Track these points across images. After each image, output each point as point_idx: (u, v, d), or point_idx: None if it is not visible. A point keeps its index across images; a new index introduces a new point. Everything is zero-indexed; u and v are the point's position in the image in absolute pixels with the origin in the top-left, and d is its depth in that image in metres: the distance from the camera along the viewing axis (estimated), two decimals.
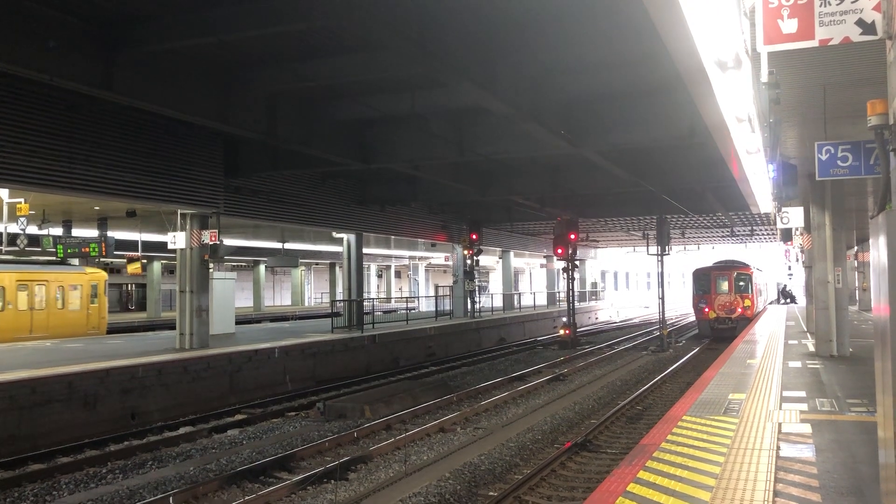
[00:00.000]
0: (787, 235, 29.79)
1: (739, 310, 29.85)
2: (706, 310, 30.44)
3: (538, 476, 9.55)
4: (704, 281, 30.88)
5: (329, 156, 16.51)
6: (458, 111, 15.69)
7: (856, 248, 32.43)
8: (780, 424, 8.31)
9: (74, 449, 12.06)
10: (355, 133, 16.97)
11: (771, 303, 51.65)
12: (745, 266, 31.65)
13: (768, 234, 41.28)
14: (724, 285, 30.23)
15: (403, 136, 16.87)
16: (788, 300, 53.13)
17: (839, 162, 8.18)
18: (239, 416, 14.83)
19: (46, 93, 12.66)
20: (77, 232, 26.52)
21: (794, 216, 16.47)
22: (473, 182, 22.27)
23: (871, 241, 3.89)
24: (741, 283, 30.31)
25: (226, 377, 16.44)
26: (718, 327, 29.85)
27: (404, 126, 16.47)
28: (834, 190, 15.11)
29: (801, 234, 22.71)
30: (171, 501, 8.96)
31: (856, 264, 33.50)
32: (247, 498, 8.93)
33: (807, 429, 8.07)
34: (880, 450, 3.90)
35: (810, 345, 17.16)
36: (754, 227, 37.11)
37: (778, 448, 7.19)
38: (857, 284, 34.31)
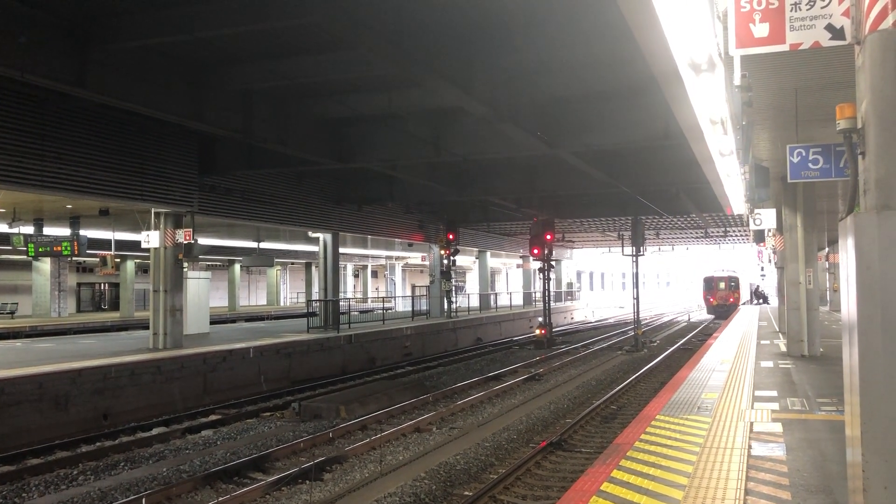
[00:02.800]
0: (759, 237, 30.18)
1: (731, 300, 46.86)
2: (711, 300, 48.07)
3: (513, 475, 9.58)
4: (710, 283, 48.69)
5: (305, 155, 16.43)
6: (435, 111, 15.69)
7: (826, 249, 32.89)
8: (751, 423, 8.41)
9: (45, 450, 11.90)
10: (332, 132, 16.91)
11: (744, 303, 52.89)
12: (735, 274, 48.85)
13: (741, 236, 41.74)
14: (722, 285, 47.67)
15: (380, 135, 16.85)
16: (761, 300, 53.84)
17: (810, 164, 8.29)
18: (213, 417, 14.72)
19: (16, 89, 12.48)
20: (49, 230, 26.17)
21: (767, 218, 16.66)
22: (450, 182, 22.28)
23: (840, 242, 3.95)
24: (732, 284, 47.58)
25: (200, 377, 16.31)
26: (718, 309, 46.24)
27: (381, 125, 16.44)
28: (805, 192, 15.32)
29: (774, 235, 22.97)
30: (143, 502, 8.88)
31: (827, 265, 33.96)
32: (221, 499, 8.87)
33: (778, 428, 8.18)
34: (848, 448, 3.96)
35: (782, 345, 17.37)
36: (727, 229, 37.54)
37: (749, 447, 7.28)
38: (827, 285, 34.77)
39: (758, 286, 59.22)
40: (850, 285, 3.66)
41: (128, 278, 39.38)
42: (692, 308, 63.62)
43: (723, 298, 46.97)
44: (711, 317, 46.88)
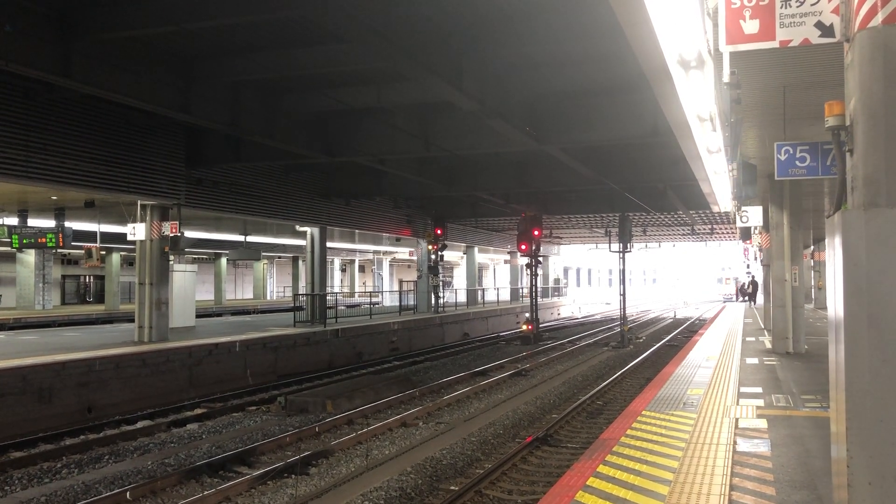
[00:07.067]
0: (746, 234, 30.40)
1: (733, 292, 63.61)
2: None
3: (499, 470, 9.59)
4: (721, 280, 74.65)
5: (293, 148, 16.36)
6: (423, 105, 15.65)
7: (812, 247, 33.11)
8: (737, 420, 8.45)
9: (28, 443, 11.80)
10: (320, 126, 16.85)
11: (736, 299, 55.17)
12: (737, 276, 66.65)
13: (728, 233, 41.95)
14: (729, 282, 71.00)
15: (369, 129, 16.80)
16: (746, 298, 54.07)
17: (797, 162, 8.33)
18: (198, 410, 14.65)
19: (1, 79, 12.35)
20: (33, 222, 25.98)
21: (754, 215, 16.76)
22: (439, 177, 22.26)
23: (826, 240, 3.96)
24: (735, 281, 64.69)
25: (185, 371, 16.23)
26: (726, 297, 67.59)
27: (370, 119, 16.39)
28: (792, 190, 15.40)
29: (760, 232, 23.09)
30: (128, 496, 8.83)
31: (812, 263, 34.21)
32: (206, 493, 8.83)
33: (763, 424, 8.22)
34: (832, 444, 3.98)
35: (767, 342, 17.47)
36: (714, 226, 37.67)
37: (735, 443, 7.32)
38: (812, 283, 35.02)
39: (743, 283, 59.63)
40: (836, 282, 3.67)
41: (113, 271, 39.11)
42: (678, 305, 64.01)
43: (729, 290, 70.11)
44: (699, 313, 50.30)
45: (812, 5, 4.20)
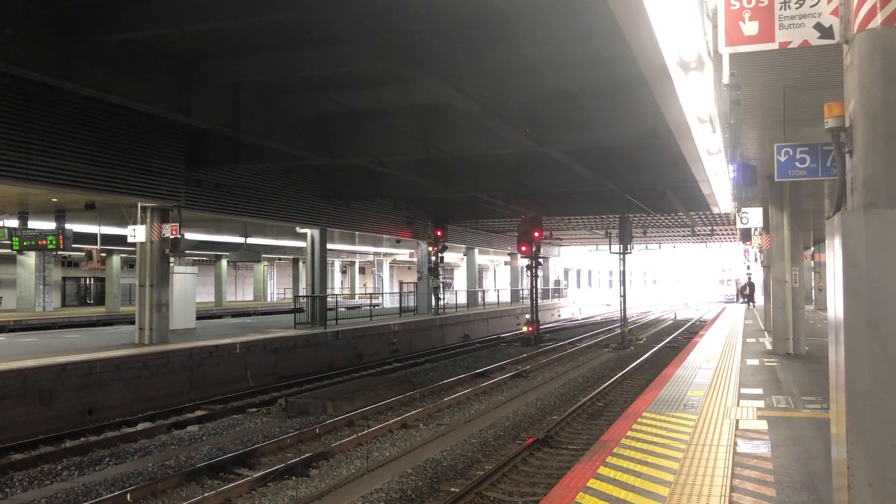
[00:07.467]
0: (746, 235, 30.42)
1: (734, 293, 64.49)
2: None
3: (500, 472, 9.58)
4: (723, 281, 76.65)
5: (293, 150, 16.37)
6: (424, 107, 15.67)
7: (812, 248, 33.10)
8: (737, 421, 8.45)
9: (28, 445, 11.80)
10: (320, 127, 16.85)
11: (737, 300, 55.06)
12: (738, 278, 65.72)
13: (728, 234, 41.95)
14: (731, 283, 72.41)
15: (369, 131, 16.80)
16: (745, 299, 54.05)
17: (797, 163, 8.34)
18: (199, 412, 14.64)
19: (2, 81, 12.36)
20: (34, 224, 25.97)
21: (754, 216, 16.75)
22: (439, 178, 22.26)
23: (827, 241, 3.97)
24: (736, 282, 65.55)
25: (186, 373, 16.23)
26: (729, 297, 69.01)
27: (370, 121, 16.40)
28: (792, 191, 15.40)
29: (760, 234, 23.09)
30: (128, 498, 8.82)
31: (812, 264, 34.20)
32: (206, 494, 8.83)
33: (763, 425, 8.22)
34: (833, 445, 3.98)
35: (767, 343, 17.46)
36: (714, 227, 37.68)
37: (735, 444, 7.31)
38: (813, 284, 35.01)
39: (744, 284, 59.57)
40: (836, 284, 3.68)
41: (114, 273, 39.11)
42: (679, 306, 63.97)
43: (730, 291, 72.83)
44: (699, 314, 50.41)
45: (811, 7, 4.21)
